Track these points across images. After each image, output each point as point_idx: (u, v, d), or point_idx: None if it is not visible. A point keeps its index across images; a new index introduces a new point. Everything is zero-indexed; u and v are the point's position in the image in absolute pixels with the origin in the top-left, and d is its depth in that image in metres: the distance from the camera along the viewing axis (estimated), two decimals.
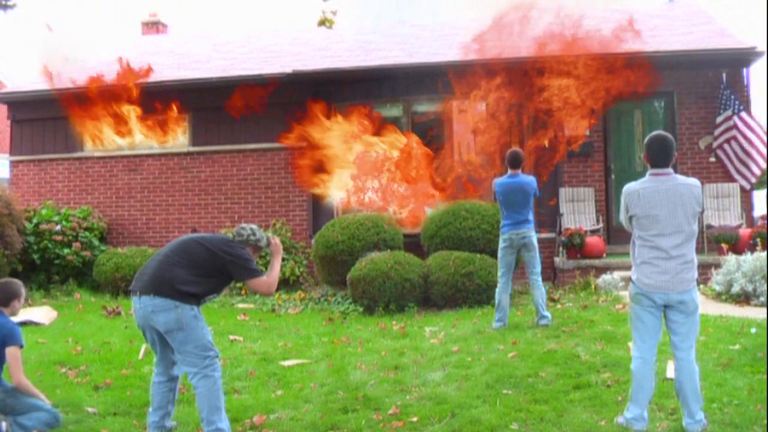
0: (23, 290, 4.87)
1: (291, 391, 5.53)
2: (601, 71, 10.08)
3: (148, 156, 12.88)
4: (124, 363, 6.50)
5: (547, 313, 7.45)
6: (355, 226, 10.27)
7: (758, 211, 12.45)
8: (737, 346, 5.99)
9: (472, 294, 9.04)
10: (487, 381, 5.40)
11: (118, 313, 9.39)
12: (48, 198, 12.94)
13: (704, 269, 9.21)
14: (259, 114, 11.90)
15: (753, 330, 6.52)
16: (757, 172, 10.98)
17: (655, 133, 4.36)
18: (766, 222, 10.78)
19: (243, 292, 10.89)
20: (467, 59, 10.47)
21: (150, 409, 4.57)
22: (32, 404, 4.61)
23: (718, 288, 8.68)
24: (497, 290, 7.49)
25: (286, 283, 11.45)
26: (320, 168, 9.86)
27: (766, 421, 4.22)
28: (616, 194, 11.54)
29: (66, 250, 11.51)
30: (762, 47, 11.10)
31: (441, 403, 4.96)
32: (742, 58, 11.44)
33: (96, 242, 12.07)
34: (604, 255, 10.62)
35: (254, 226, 4.69)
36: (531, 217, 7.45)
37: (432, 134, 11.46)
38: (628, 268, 4.41)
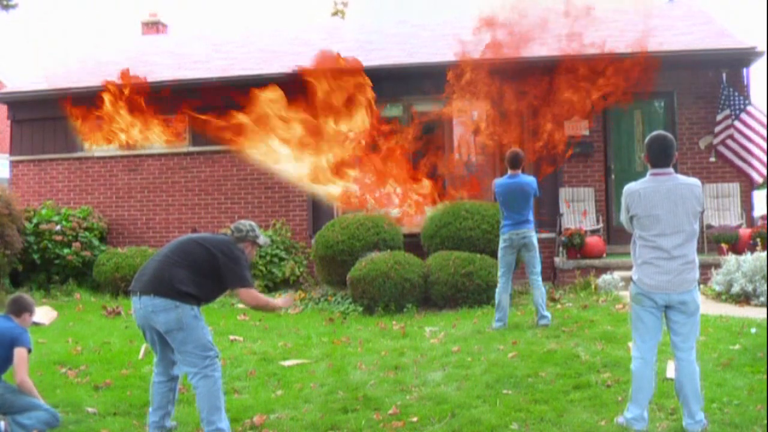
0: (35, 307, 5.07)
1: (291, 391, 5.53)
2: (601, 71, 10.09)
3: (148, 156, 12.88)
4: (124, 363, 6.50)
5: (547, 313, 7.45)
6: (355, 226, 10.27)
7: (758, 211, 12.45)
8: (737, 346, 5.99)
9: (472, 294, 9.04)
10: (487, 381, 5.40)
11: (118, 313, 9.39)
12: (48, 198, 12.94)
13: (704, 269, 9.20)
14: None
15: (753, 330, 6.52)
16: (761, 168, 10.94)
17: (655, 133, 4.36)
18: (766, 222, 10.78)
19: None
20: (467, 59, 10.46)
21: (150, 409, 4.58)
22: (31, 404, 4.64)
23: (718, 288, 8.68)
24: (497, 290, 7.49)
25: (286, 283, 11.45)
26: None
27: (766, 421, 4.22)
28: (616, 194, 11.54)
29: (66, 250, 11.51)
30: (762, 47, 11.11)
31: (441, 403, 4.96)
32: (742, 58, 11.44)
33: (96, 242, 12.07)
34: (604, 255, 10.62)
35: (253, 223, 4.71)
36: (531, 217, 7.45)
37: (432, 134, 11.46)
38: (628, 268, 4.41)
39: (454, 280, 9.10)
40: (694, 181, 4.28)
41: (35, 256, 11.45)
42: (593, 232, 11.04)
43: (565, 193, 11.58)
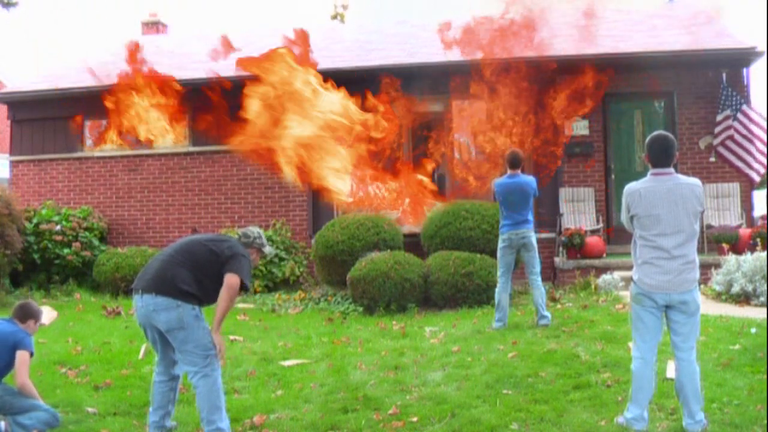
0: (41, 316, 5.08)
1: (291, 391, 5.53)
2: (601, 71, 10.09)
3: (148, 156, 12.88)
4: (124, 363, 6.50)
5: (547, 313, 7.45)
6: (355, 226, 10.27)
7: (758, 211, 12.46)
8: (737, 346, 5.99)
9: (472, 294, 9.04)
10: (487, 381, 5.40)
11: (118, 313, 9.39)
12: (48, 198, 12.94)
13: (704, 269, 9.19)
14: None
15: (753, 330, 6.52)
16: (760, 168, 10.94)
17: (656, 133, 4.36)
18: (766, 222, 10.78)
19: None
20: (467, 59, 10.46)
21: (150, 409, 4.58)
22: (31, 404, 4.65)
23: (718, 288, 8.68)
24: (497, 290, 7.50)
25: (286, 283, 11.45)
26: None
27: (766, 421, 4.22)
28: (616, 194, 11.54)
29: (66, 250, 11.51)
30: (762, 47, 11.11)
31: (441, 403, 4.96)
32: (742, 58, 11.44)
33: (96, 242, 12.08)
34: (604, 255, 10.62)
35: (261, 231, 4.76)
36: (530, 217, 7.45)
37: (432, 134, 11.45)
38: (629, 268, 4.41)
39: (454, 280, 9.10)
40: (695, 181, 4.28)
41: (35, 256, 11.45)
42: (593, 232, 11.04)
43: (565, 193, 11.58)
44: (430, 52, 12.73)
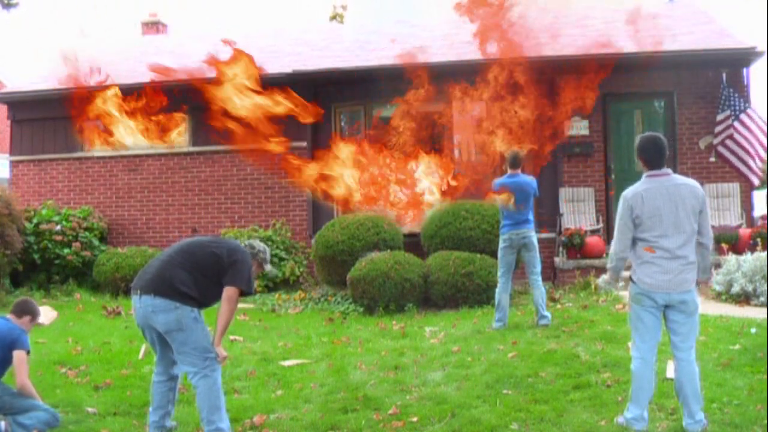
0: (39, 316, 5.05)
1: (291, 391, 5.53)
2: (601, 70, 10.06)
3: (148, 156, 12.88)
4: (124, 363, 6.50)
5: (547, 313, 7.45)
6: (355, 226, 10.27)
7: (758, 211, 12.46)
8: (737, 346, 5.99)
9: (472, 294, 9.04)
10: (487, 381, 5.40)
11: (118, 313, 9.39)
12: (48, 198, 12.93)
13: None
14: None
15: (753, 330, 6.52)
16: (758, 170, 10.94)
17: (647, 134, 4.37)
18: (766, 222, 10.78)
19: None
20: (467, 59, 10.46)
21: (150, 409, 4.58)
22: (31, 404, 4.64)
23: (718, 288, 8.67)
24: (497, 290, 7.50)
25: (286, 283, 11.45)
26: None
27: (766, 421, 4.22)
28: (616, 194, 11.54)
29: (66, 250, 11.51)
30: (762, 47, 11.10)
31: (441, 403, 4.96)
32: (742, 58, 11.44)
33: (96, 242, 12.07)
34: (604, 255, 10.61)
35: (267, 248, 4.76)
36: (531, 217, 7.46)
37: (432, 134, 11.44)
38: (628, 268, 4.40)
39: (454, 280, 9.10)
40: (694, 182, 4.28)
41: (35, 256, 11.45)
42: (593, 232, 11.04)
43: (565, 193, 11.57)
44: (430, 52, 12.72)
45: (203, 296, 4.35)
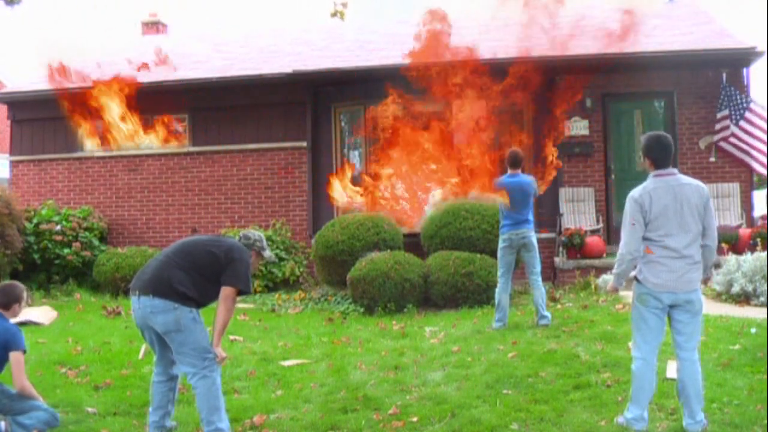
0: (25, 293, 4.85)
1: (291, 391, 5.53)
2: (600, 70, 10.07)
3: (148, 156, 12.88)
4: (124, 363, 6.50)
5: (547, 313, 7.45)
6: (355, 226, 10.26)
7: (758, 211, 12.45)
8: (737, 346, 5.99)
9: (472, 294, 9.04)
10: (487, 381, 5.40)
11: (118, 313, 9.39)
12: (48, 198, 12.94)
13: None
14: (259, 114, 11.89)
15: (753, 330, 6.52)
16: (763, 162, 10.90)
17: (652, 134, 4.36)
18: (766, 222, 10.77)
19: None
20: (466, 59, 10.45)
21: (150, 409, 4.58)
22: (31, 404, 4.61)
23: (718, 288, 8.67)
24: (497, 290, 7.49)
25: (286, 283, 11.45)
26: None
27: (766, 421, 4.22)
28: (616, 194, 11.54)
29: (66, 250, 11.51)
30: (762, 47, 11.09)
31: (441, 403, 4.96)
32: (742, 58, 11.44)
33: (96, 242, 12.08)
34: (604, 255, 10.61)
35: (262, 235, 4.75)
36: (531, 217, 7.45)
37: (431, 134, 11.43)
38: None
39: (454, 280, 9.10)
40: (699, 182, 4.28)
41: (35, 256, 11.45)
42: (593, 232, 11.04)
43: (565, 193, 11.58)
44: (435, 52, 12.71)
45: (202, 296, 4.35)
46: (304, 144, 12.23)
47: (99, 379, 5.91)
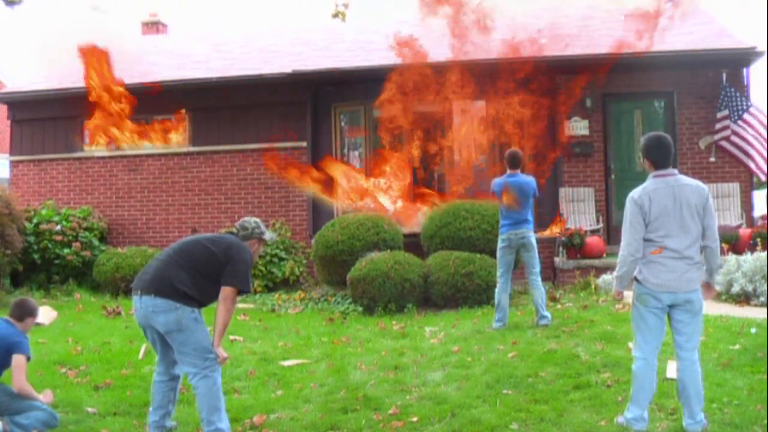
0: (38, 311, 5.02)
1: (291, 391, 5.53)
2: (600, 70, 10.07)
3: (148, 156, 12.88)
4: (124, 363, 6.50)
5: (546, 313, 7.45)
6: (355, 226, 10.26)
7: (758, 211, 12.44)
8: (737, 346, 5.99)
9: (472, 294, 9.04)
10: (487, 381, 5.40)
11: (118, 313, 9.39)
12: (48, 198, 12.94)
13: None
14: (259, 114, 11.88)
15: (753, 330, 6.52)
16: (762, 163, 10.90)
17: (652, 134, 4.36)
18: (766, 222, 10.77)
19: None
20: (466, 59, 10.45)
21: (150, 409, 4.58)
22: (30, 404, 4.63)
23: (718, 288, 8.67)
24: (497, 290, 7.49)
25: (286, 283, 11.45)
26: None
27: (766, 421, 4.22)
28: (616, 194, 11.54)
29: (66, 250, 11.50)
30: (762, 47, 11.09)
31: (441, 403, 4.96)
32: (742, 58, 11.43)
33: (96, 242, 12.07)
34: (604, 255, 10.61)
35: (257, 220, 4.69)
36: (530, 217, 7.44)
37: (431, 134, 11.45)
38: None
39: (454, 280, 9.10)
40: (699, 183, 4.28)
41: (35, 256, 11.45)
42: (593, 232, 11.03)
43: (565, 193, 11.57)
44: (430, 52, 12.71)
45: (203, 295, 4.35)
46: (304, 144, 12.23)
47: (99, 379, 5.91)
